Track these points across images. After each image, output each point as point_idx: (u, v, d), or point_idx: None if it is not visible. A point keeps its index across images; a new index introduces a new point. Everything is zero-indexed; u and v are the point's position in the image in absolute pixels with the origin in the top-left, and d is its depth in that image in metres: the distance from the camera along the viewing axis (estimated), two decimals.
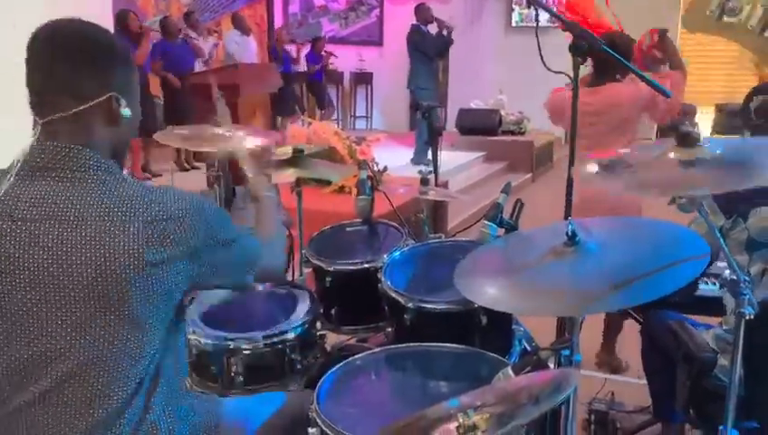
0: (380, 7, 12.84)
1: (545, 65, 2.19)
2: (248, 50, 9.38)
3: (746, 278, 1.59)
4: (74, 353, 1.30)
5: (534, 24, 2.34)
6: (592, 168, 1.76)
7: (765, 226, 2.22)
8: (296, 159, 2.74)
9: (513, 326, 2.14)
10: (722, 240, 1.62)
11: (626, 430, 2.97)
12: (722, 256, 1.62)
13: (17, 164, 1.33)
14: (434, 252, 2.44)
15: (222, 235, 1.45)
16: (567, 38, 2.09)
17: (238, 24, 9.57)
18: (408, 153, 8.58)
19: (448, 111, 11.13)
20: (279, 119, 9.85)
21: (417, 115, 8.17)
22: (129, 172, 6.03)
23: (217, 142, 2.43)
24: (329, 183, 5.51)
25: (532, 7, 11.13)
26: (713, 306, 2.59)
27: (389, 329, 2.19)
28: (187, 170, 8.12)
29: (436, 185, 3.25)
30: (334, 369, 1.78)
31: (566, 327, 1.94)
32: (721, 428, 1.70)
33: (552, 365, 1.72)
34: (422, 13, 8.62)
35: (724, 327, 2.34)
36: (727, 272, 1.62)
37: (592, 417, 2.99)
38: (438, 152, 3.46)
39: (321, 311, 2.38)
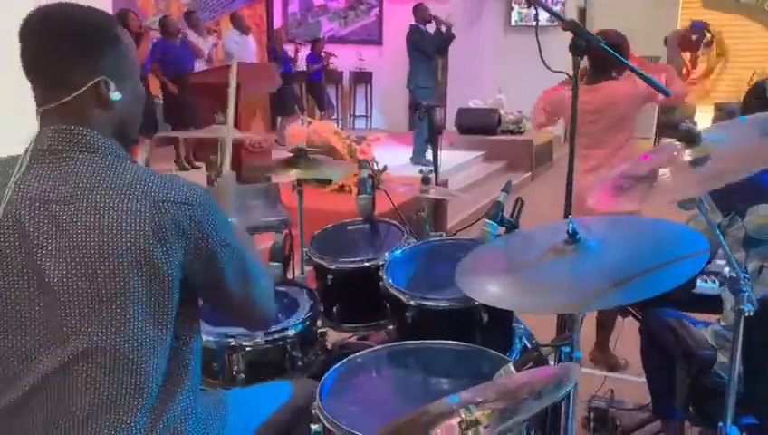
0: (380, 6, 12.84)
1: (545, 64, 2.19)
2: (247, 49, 9.38)
3: (746, 275, 1.60)
4: (85, 335, 1.30)
5: (533, 24, 2.34)
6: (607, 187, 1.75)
7: (762, 223, 2.23)
8: (297, 158, 2.75)
9: (514, 324, 2.16)
10: (721, 237, 1.63)
11: (625, 428, 2.98)
12: (720, 253, 1.63)
13: (28, 150, 1.35)
14: (435, 250, 2.45)
15: (222, 234, 1.43)
16: (567, 37, 2.10)
17: (237, 23, 9.57)
18: (408, 152, 8.59)
19: (447, 110, 11.14)
20: (279, 119, 9.86)
21: (416, 115, 8.20)
22: None
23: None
24: (329, 182, 5.53)
25: (532, 7, 11.18)
26: (711, 304, 2.60)
27: (391, 327, 2.20)
28: (187, 170, 8.13)
29: (436, 184, 3.26)
30: (336, 366, 1.79)
31: (566, 324, 1.95)
32: (720, 424, 1.71)
33: (552, 362, 1.73)
34: (420, 12, 8.64)
35: (723, 324, 2.35)
36: (727, 269, 1.63)
37: (592, 414, 3.01)
38: (438, 151, 3.48)
39: (323, 309, 2.39)
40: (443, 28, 8.71)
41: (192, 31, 8.83)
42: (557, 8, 10.54)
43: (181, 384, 1.44)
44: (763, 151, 1.54)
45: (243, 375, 2.07)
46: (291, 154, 2.82)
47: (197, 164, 8.10)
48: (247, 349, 2.08)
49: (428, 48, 8.62)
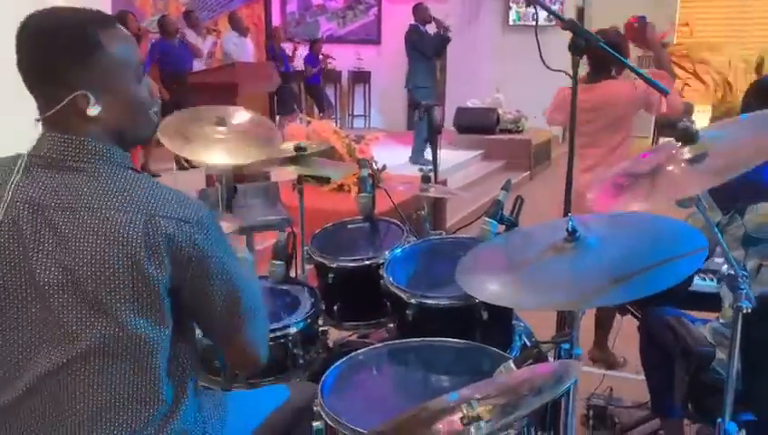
0: (378, 6, 12.84)
1: (544, 64, 2.21)
2: (245, 51, 9.39)
3: (744, 273, 1.61)
4: (77, 339, 1.30)
5: (531, 23, 2.36)
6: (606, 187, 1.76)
7: (762, 222, 2.24)
8: (297, 157, 2.76)
9: (514, 322, 2.17)
10: (719, 235, 1.64)
11: (624, 425, 2.99)
12: (719, 251, 1.64)
13: (26, 154, 1.36)
14: (435, 249, 2.46)
15: (217, 259, 1.39)
16: (566, 36, 2.11)
17: (235, 25, 9.57)
18: (406, 152, 8.60)
19: (446, 109, 11.15)
20: (278, 118, 9.87)
21: (415, 114, 8.20)
22: None
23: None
24: (328, 181, 5.54)
25: (530, 6, 11.19)
26: (710, 302, 2.61)
27: (391, 325, 2.21)
28: (186, 169, 8.12)
29: (436, 182, 3.27)
30: (338, 363, 1.80)
31: (566, 322, 1.97)
32: (719, 420, 1.73)
33: (551, 360, 1.74)
34: (420, 13, 8.64)
35: (722, 321, 2.36)
36: (725, 267, 1.64)
37: (591, 412, 3.02)
38: (438, 150, 3.49)
39: (324, 307, 2.40)
40: (442, 31, 8.70)
41: (191, 31, 8.83)
42: (555, 7, 10.54)
43: (183, 386, 1.45)
44: (757, 144, 1.56)
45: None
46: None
47: (196, 163, 8.08)
48: None
49: (427, 48, 8.62)
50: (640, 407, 3.04)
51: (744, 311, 1.61)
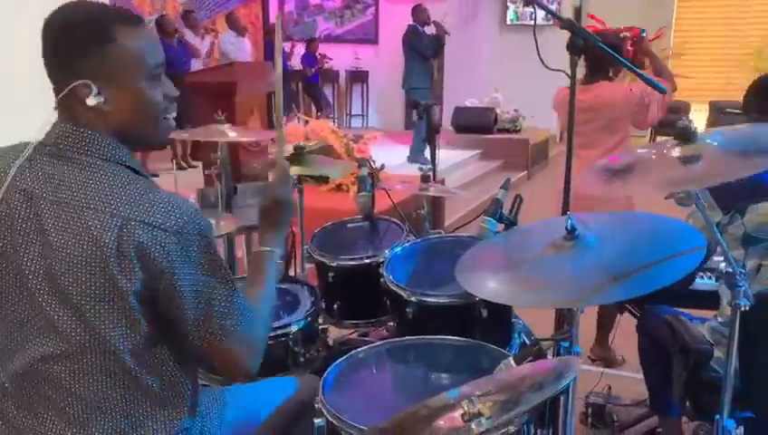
0: (376, 5, 12.86)
1: (543, 63, 2.22)
2: (243, 50, 9.39)
3: (742, 271, 1.62)
4: (64, 337, 1.30)
5: (529, 22, 2.37)
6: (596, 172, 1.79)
7: (762, 221, 2.25)
8: (297, 156, 2.77)
9: (513, 320, 2.18)
10: (718, 233, 1.65)
11: (623, 423, 3.01)
12: (718, 250, 1.65)
13: (34, 142, 1.37)
14: (434, 247, 2.47)
15: (194, 272, 1.32)
16: (564, 36, 2.12)
17: (233, 24, 9.58)
18: (404, 151, 8.60)
19: (444, 109, 11.16)
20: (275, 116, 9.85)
21: (414, 114, 8.19)
22: None
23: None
24: (326, 181, 5.55)
25: (527, 6, 11.20)
26: (708, 300, 2.62)
27: (391, 323, 2.22)
28: (185, 169, 8.13)
29: (434, 182, 3.28)
30: (339, 361, 1.81)
31: (565, 320, 1.98)
32: (717, 417, 1.74)
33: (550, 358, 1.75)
34: (419, 14, 8.63)
35: (720, 320, 2.38)
36: (723, 265, 1.65)
37: (589, 410, 3.04)
38: (437, 150, 3.50)
39: (324, 305, 2.41)
40: (441, 34, 8.70)
41: (189, 31, 8.83)
42: (552, 7, 10.55)
43: (176, 386, 1.43)
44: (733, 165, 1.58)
45: None
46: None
47: (195, 163, 8.10)
48: None
49: (425, 50, 8.62)
50: (639, 405, 3.06)
51: (743, 308, 1.62)
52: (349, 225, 2.81)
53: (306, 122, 6.73)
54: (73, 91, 1.32)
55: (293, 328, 2.14)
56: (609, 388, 3.12)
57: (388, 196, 2.91)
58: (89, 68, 1.32)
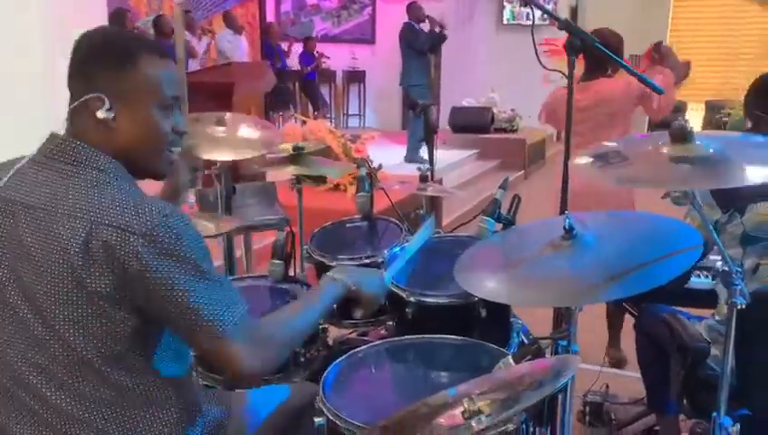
0: (373, 5, 12.86)
1: (541, 63, 2.23)
2: (240, 48, 9.39)
3: (738, 269, 1.63)
4: (43, 348, 1.31)
5: (525, 22, 2.39)
6: (586, 159, 1.80)
7: (761, 220, 2.25)
8: (295, 156, 2.78)
9: (511, 319, 2.19)
10: (714, 233, 1.66)
11: (621, 422, 3.02)
12: (716, 249, 1.66)
13: (31, 153, 1.39)
14: (433, 247, 2.47)
15: (170, 274, 1.29)
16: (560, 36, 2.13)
17: (230, 23, 9.57)
18: (401, 151, 8.61)
19: (441, 109, 11.17)
20: (272, 114, 9.86)
21: (410, 113, 8.21)
22: None
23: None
24: (324, 181, 5.56)
25: (524, 5, 11.22)
26: (705, 299, 2.64)
27: (390, 322, 2.23)
28: None
29: (432, 181, 3.29)
30: (338, 361, 1.82)
31: (563, 318, 1.99)
32: (714, 414, 1.75)
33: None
34: (414, 11, 8.66)
35: (717, 318, 2.39)
36: (720, 263, 1.66)
37: (587, 408, 3.05)
38: (434, 149, 3.51)
39: None
40: (436, 29, 8.73)
41: (187, 31, 8.81)
42: (549, 7, 10.57)
43: (170, 391, 1.43)
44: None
45: None
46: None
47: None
48: None
49: (422, 46, 8.64)
50: (636, 403, 3.07)
51: (739, 307, 1.63)
52: (348, 225, 2.81)
53: (303, 122, 6.75)
54: (86, 102, 1.35)
55: None
56: (607, 386, 3.13)
57: (387, 196, 2.92)
58: (106, 83, 1.36)
